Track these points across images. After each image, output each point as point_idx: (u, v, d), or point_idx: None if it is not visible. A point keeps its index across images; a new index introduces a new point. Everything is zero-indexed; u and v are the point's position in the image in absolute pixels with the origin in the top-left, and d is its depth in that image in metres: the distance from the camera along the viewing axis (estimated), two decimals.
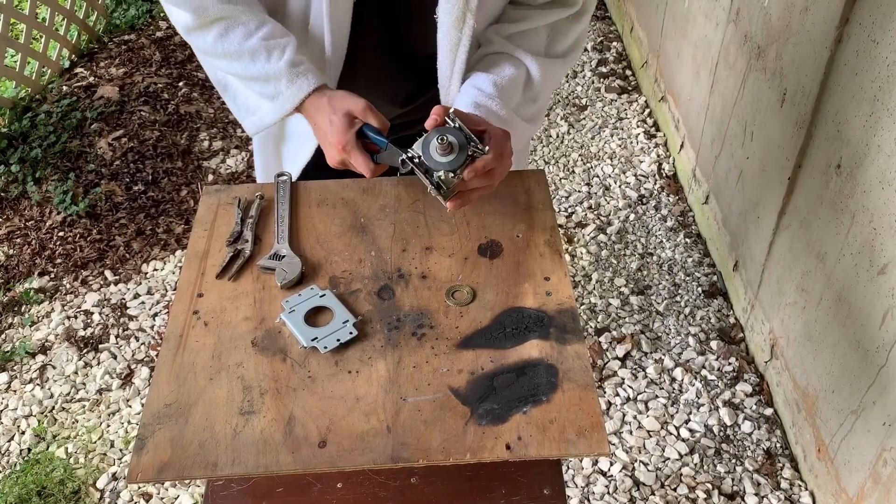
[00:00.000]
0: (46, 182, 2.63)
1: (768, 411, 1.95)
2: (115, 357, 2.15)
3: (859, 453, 1.56)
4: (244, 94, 1.14)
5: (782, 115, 1.83)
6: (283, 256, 1.04)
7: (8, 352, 2.17)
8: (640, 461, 1.87)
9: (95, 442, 1.96)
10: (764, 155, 1.95)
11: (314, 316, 0.97)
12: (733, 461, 1.86)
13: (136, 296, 2.33)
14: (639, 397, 2.00)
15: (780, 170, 1.84)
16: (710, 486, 1.81)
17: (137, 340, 2.20)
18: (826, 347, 1.67)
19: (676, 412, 1.96)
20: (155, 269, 2.41)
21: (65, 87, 3.06)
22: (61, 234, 2.50)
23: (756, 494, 1.79)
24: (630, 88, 3.11)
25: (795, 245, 1.79)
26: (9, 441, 1.97)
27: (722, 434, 1.92)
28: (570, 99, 3.07)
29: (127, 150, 2.77)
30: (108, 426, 1.99)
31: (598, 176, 2.70)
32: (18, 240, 2.50)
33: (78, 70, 3.18)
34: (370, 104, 1.04)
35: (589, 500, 1.81)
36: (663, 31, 2.78)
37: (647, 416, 1.95)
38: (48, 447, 1.95)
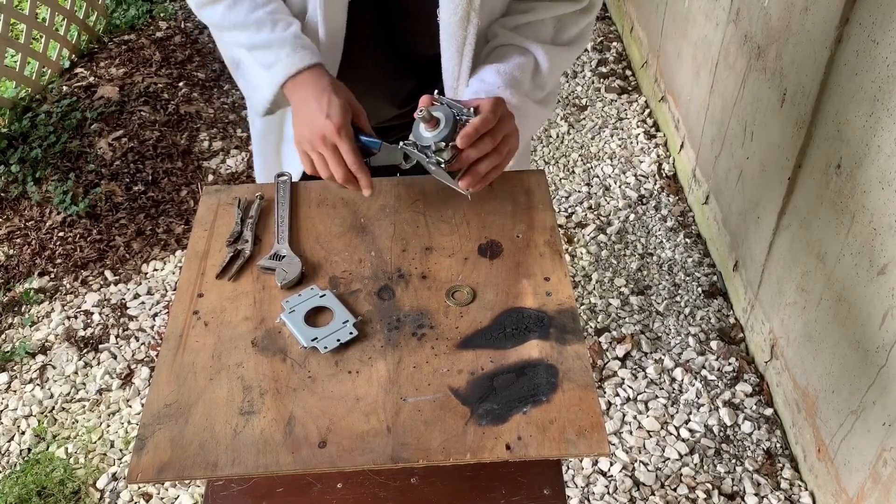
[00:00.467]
0: (46, 182, 2.63)
1: (768, 411, 1.95)
2: (115, 357, 2.15)
3: (859, 453, 1.56)
4: (252, 71, 1.13)
5: (782, 115, 1.83)
6: (283, 256, 1.04)
7: (8, 352, 2.17)
8: (640, 461, 1.87)
9: (95, 442, 1.96)
10: (764, 155, 1.95)
11: (314, 316, 0.97)
12: (733, 461, 1.86)
13: (136, 296, 2.33)
14: (639, 397, 2.00)
15: (780, 170, 1.84)
16: (710, 486, 1.81)
17: (137, 340, 2.20)
18: (826, 347, 1.67)
19: (676, 412, 1.96)
20: (155, 270, 2.41)
21: (65, 88, 3.06)
22: (61, 234, 2.50)
23: (756, 494, 1.79)
24: (630, 88, 3.11)
25: (795, 245, 1.79)
26: (9, 441, 1.97)
27: (722, 434, 1.92)
28: (570, 99, 3.07)
29: (127, 150, 2.77)
30: (108, 426, 1.99)
31: (598, 176, 2.70)
32: (18, 240, 2.50)
33: (78, 70, 3.18)
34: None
35: (589, 501, 1.81)
36: (663, 31, 2.78)
37: (647, 417, 1.95)
38: (48, 447, 1.95)
